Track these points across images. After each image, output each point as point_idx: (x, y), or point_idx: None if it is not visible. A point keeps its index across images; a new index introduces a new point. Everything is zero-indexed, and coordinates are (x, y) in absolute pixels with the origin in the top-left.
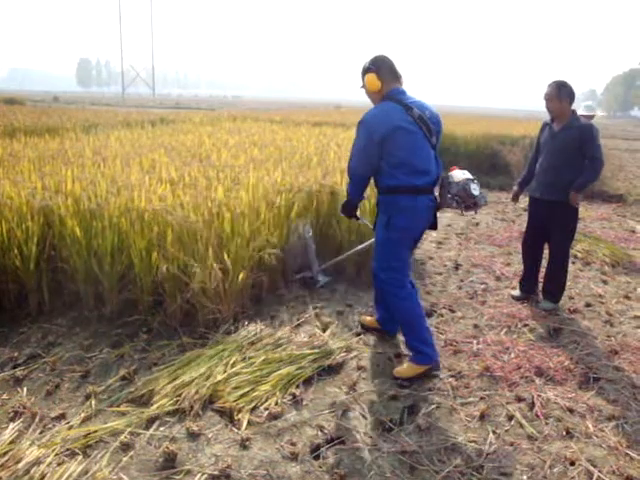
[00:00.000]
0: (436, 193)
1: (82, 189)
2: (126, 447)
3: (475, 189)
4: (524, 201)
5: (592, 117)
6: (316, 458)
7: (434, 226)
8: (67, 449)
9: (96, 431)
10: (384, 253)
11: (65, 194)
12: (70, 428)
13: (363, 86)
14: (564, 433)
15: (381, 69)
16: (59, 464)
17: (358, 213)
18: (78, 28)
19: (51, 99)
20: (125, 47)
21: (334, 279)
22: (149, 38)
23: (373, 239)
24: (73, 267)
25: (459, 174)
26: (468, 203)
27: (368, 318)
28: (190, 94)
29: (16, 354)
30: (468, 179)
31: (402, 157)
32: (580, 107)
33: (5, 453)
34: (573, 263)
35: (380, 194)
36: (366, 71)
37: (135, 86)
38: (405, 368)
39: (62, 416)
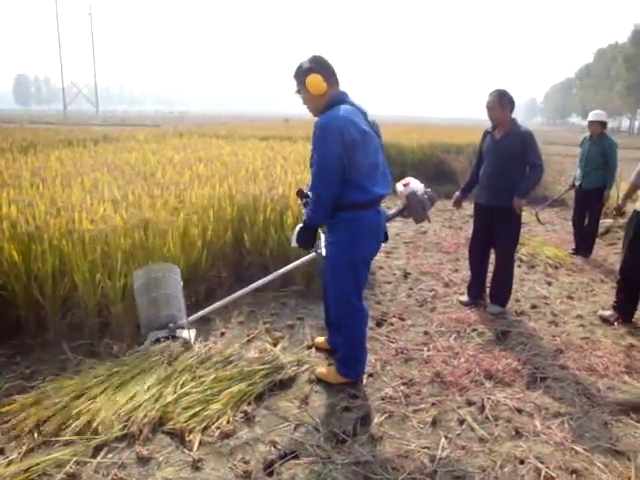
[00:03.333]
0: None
1: (19, 211)
2: (72, 478)
3: (434, 197)
4: (470, 207)
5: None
6: (270, 475)
7: (385, 239)
8: None
9: (38, 464)
10: (344, 276)
11: (0, 217)
12: (9, 463)
13: (299, 90)
14: (513, 433)
15: (325, 70)
16: None
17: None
18: (14, 42)
19: None
20: (65, 63)
21: (283, 294)
22: (90, 53)
23: (278, 271)
24: (12, 293)
25: (418, 185)
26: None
27: (321, 340)
28: (135, 110)
29: None
30: (425, 189)
31: (371, 164)
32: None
33: None
34: (519, 266)
35: (341, 210)
36: (307, 72)
37: (77, 103)
38: (329, 373)
39: (0, 451)
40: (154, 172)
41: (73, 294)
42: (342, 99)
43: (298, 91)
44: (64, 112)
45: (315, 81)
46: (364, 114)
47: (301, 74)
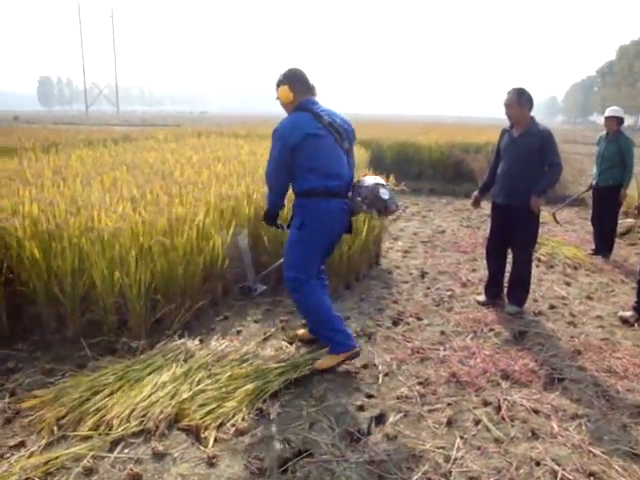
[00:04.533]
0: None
1: (40, 210)
2: (89, 472)
3: (384, 193)
4: (488, 207)
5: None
6: (284, 472)
7: (349, 230)
8: (26, 478)
9: (57, 457)
10: (293, 252)
11: (23, 215)
12: (30, 456)
13: (278, 98)
14: (530, 434)
15: (293, 82)
16: None
17: (279, 221)
18: (38, 45)
19: (11, 119)
20: (87, 64)
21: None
22: (111, 54)
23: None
24: (33, 290)
25: (370, 179)
26: (379, 207)
27: (301, 331)
28: (155, 110)
29: None
30: (378, 183)
31: (314, 162)
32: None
33: None
34: (537, 266)
35: (295, 198)
36: (279, 84)
37: (99, 104)
38: (326, 360)
39: (22, 444)
40: (172, 171)
41: (92, 292)
42: (304, 106)
43: (277, 98)
44: (86, 112)
45: (283, 92)
46: (319, 118)
47: (276, 85)
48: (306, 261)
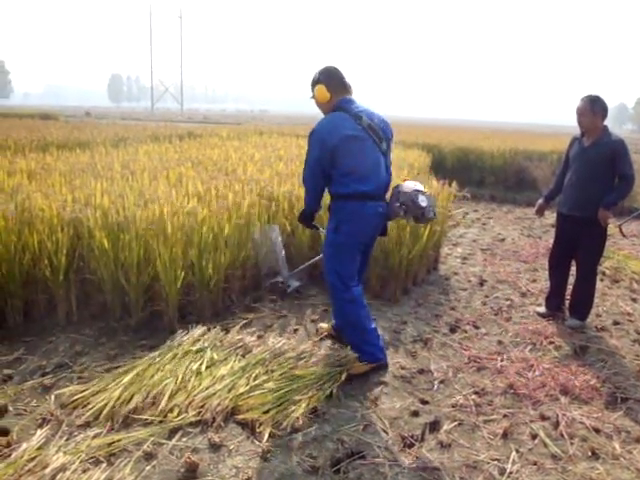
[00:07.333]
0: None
1: (110, 202)
2: (149, 456)
3: (423, 200)
4: (551, 216)
5: None
6: (336, 472)
7: (384, 233)
8: (92, 457)
9: (120, 440)
10: (332, 257)
11: (94, 207)
12: (95, 436)
13: (313, 97)
14: (589, 454)
15: (330, 80)
16: (84, 471)
17: (314, 222)
18: (110, 45)
19: (83, 114)
20: (155, 63)
21: None
22: (178, 54)
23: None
24: (101, 278)
25: (410, 185)
26: (416, 214)
27: (325, 325)
28: (218, 109)
29: (44, 362)
30: (417, 190)
31: (352, 165)
32: None
33: (32, 459)
34: (601, 280)
35: (331, 201)
36: (315, 83)
37: (164, 101)
38: (355, 366)
39: (87, 424)
40: (235, 168)
41: (155, 283)
42: (340, 106)
43: (312, 97)
44: (151, 109)
45: (320, 91)
46: (358, 118)
47: (312, 84)
48: (341, 264)
